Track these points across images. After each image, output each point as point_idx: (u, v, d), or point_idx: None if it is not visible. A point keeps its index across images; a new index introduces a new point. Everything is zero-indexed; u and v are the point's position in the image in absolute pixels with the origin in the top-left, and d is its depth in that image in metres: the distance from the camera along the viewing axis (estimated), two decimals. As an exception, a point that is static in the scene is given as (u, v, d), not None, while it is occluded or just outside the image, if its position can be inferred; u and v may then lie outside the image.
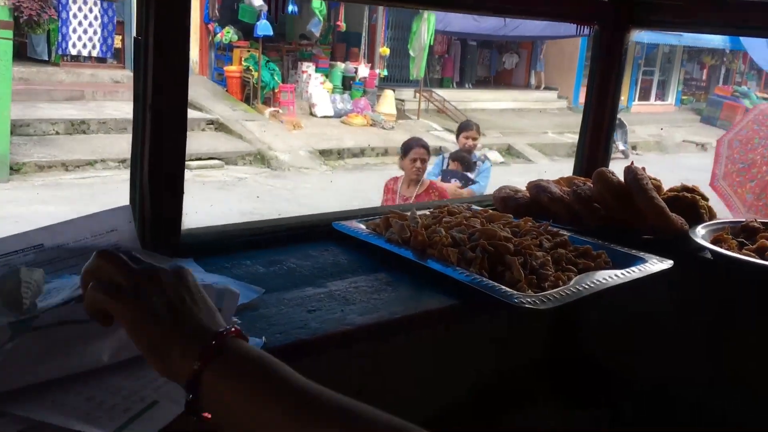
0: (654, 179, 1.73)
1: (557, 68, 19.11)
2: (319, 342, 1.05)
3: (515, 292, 1.19)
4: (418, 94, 16.08)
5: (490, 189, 4.96)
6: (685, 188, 1.73)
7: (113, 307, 0.70)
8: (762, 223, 1.63)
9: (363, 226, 1.50)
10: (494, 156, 13.66)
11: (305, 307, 1.14)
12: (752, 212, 3.90)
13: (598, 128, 1.99)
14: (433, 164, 5.72)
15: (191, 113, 11.36)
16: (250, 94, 13.90)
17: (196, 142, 10.47)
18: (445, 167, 5.75)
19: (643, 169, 1.71)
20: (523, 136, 15.27)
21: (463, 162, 5.68)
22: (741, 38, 16.93)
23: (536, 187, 1.72)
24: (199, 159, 10.10)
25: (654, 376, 1.80)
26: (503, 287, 1.20)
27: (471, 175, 5.64)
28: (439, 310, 1.17)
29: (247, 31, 13.98)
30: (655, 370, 1.79)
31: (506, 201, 1.73)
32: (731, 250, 1.50)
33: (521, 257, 1.31)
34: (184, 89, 1.21)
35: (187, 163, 1.27)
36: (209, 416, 0.67)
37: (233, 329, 0.71)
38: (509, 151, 14.43)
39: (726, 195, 4.24)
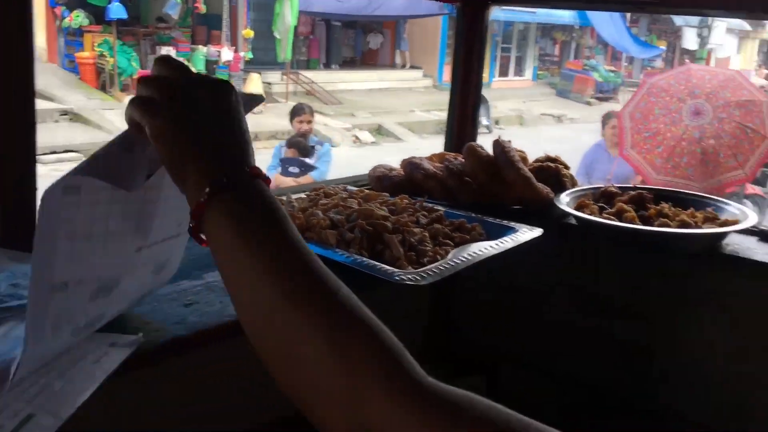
0: (520, 151, 1.79)
1: (421, 47, 19.49)
2: (199, 337, 1.01)
3: (396, 269, 1.19)
4: (285, 77, 15.88)
5: (335, 173, 4.82)
6: (548, 158, 1.81)
7: (143, 120, 0.69)
8: (618, 187, 1.74)
9: (238, 214, 1.45)
10: (365, 136, 13.78)
11: (181, 302, 1.09)
12: (662, 174, 4.38)
13: (465, 104, 2.04)
14: (271, 155, 5.52)
15: (42, 104, 10.61)
16: (106, 81, 13.20)
17: (50, 134, 9.81)
18: (282, 156, 5.49)
19: (510, 142, 1.77)
20: (392, 115, 15.49)
21: (300, 147, 5.44)
22: (588, 14, 17.97)
23: (410, 164, 1.74)
24: (55, 152, 9.47)
25: (528, 341, 1.88)
26: (384, 266, 1.20)
27: (310, 161, 5.41)
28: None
29: (98, 15, 13.21)
30: (530, 335, 1.88)
31: (381, 180, 1.73)
32: (593, 215, 1.59)
33: (399, 235, 1.32)
34: (29, 78, 1.11)
35: (42, 157, 1.17)
36: (206, 244, 0.69)
37: (252, 168, 0.69)
38: (379, 131, 14.60)
39: (636, 162, 4.66)
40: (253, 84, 14.47)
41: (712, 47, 23.22)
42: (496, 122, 15.97)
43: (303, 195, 1.53)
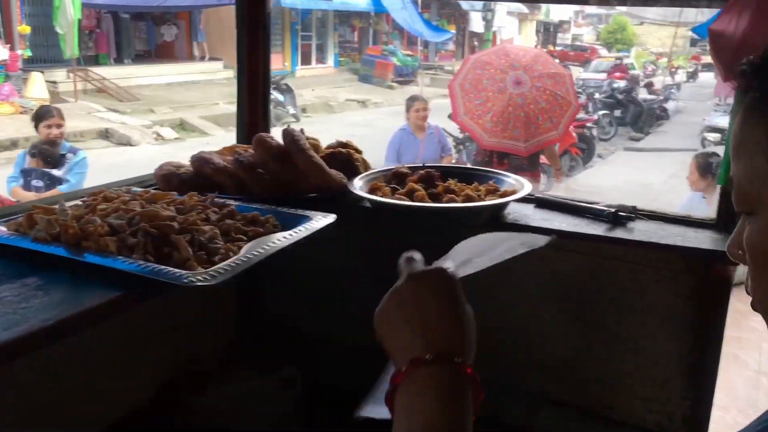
0: (312, 139, 1.79)
1: (220, 38, 18.97)
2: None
3: (184, 271, 1.14)
4: (72, 74, 14.74)
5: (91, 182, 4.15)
6: (340, 144, 1.83)
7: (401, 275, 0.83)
8: (409, 167, 1.79)
9: (3, 228, 1.31)
10: (168, 133, 13.18)
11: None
12: (493, 137, 5.12)
13: (254, 93, 2.00)
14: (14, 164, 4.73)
15: None
16: None
17: None
18: (25, 166, 4.63)
19: (302, 130, 1.76)
20: (195, 110, 14.98)
21: (47, 157, 4.58)
22: (382, 0, 18.48)
23: (198, 159, 1.67)
24: None
25: (339, 326, 1.90)
26: (171, 269, 1.14)
27: (58, 172, 4.59)
28: (101, 306, 1.07)
29: None
30: (340, 320, 1.90)
31: (168, 178, 1.65)
32: (385, 197, 1.63)
33: (188, 234, 1.26)
34: None
35: None
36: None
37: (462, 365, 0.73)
38: (183, 126, 14.05)
39: (470, 126, 5.29)
40: (35, 83, 13.27)
41: (496, 29, 24.93)
42: (303, 110, 16.00)
43: (78, 201, 1.41)
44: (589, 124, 11.39)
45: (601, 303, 1.63)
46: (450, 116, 6.02)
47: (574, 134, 10.45)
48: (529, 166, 5.43)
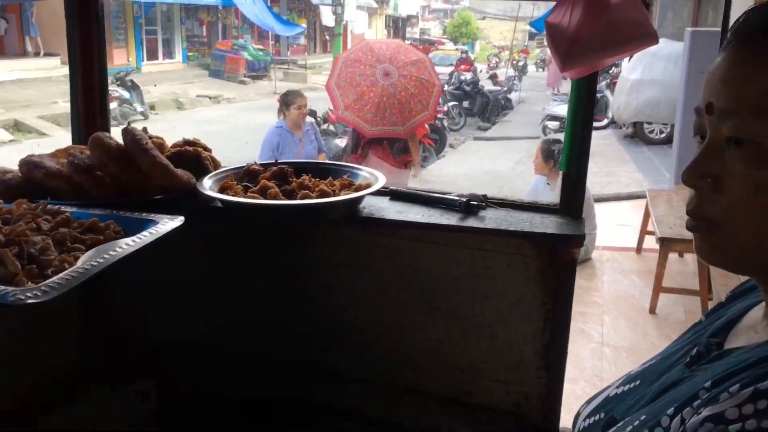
0: (156, 137, 1.69)
1: (56, 33, 17.68)
2: None
3: (11, 288, 1.03)
4: None
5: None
6: (187, 142, 1.74)
7: None
8: (261, 164, 1.74)
9: None
10: (0, 135, 12.15)
11: None
12: (375, 126, 5.60)
13: (91, 90, 1.86)
14: None
15: None
16: None
17: None
18: None
19: (144, 129, 1.66)
20: (32, 109, 13.92)
21: None
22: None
23: (27, 163, 1.53)
24: None
25: (193, 334, 1.81)
26: (-4, 287, 1.03)
27: None
28: None
29: None
30: (193, 326, 1.81)
31: (-8, 185, 1.50)
32: (237, 196, 1.57)
33: (15, 247, 1.15)
34: None
35: None
36: None
37: None
38: (18, 127, 13.02)
39: (352, 120, 5.66)
40: None
41: (347, 23, 25.10)
42: (152, 108, 15.31)
43: None
44: (439, 116, 11.74)
45: (457, 292, 1.67)
46: (331, 112, 6.20)
47: (426, 125, 10.75)
48: (405, 150, 5.94)
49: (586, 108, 1.59)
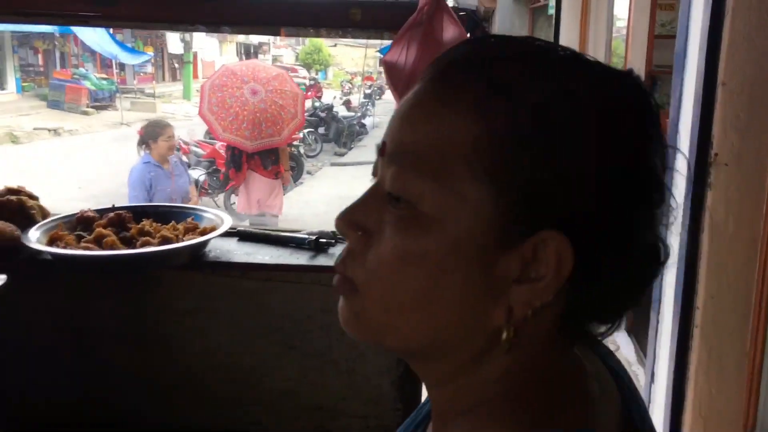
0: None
1: None
2: None
3: None
4: None
5: None
6: (10, 191, 1.60)
7: None
8: (95, 211, 1.64)
9: None
10: None
11: None
12: (257, 140, 6.12)
13: None
14: None
15: None
16: None
17: None
18: None
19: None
20: None
21: None
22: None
23: None
24: None
25: (39, 392, 1.67)
26: None
27: None
28: None
29: None
30: (36, 386, 1.67)
31: None
32: (69, 247, 1.46)
33: None
34: None
35: None
36: None
37: None
38: None
39: (233, 140, 6.13)
40: None
41: (197, 50, 24.56)
42: (-19, 143, 14.14)
43: None
44: (296, 143, 11.72)
45: (311, 329, 1.65)
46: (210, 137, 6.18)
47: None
48: (275, 161, 6.37)
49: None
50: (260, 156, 6.23)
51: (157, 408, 1.67)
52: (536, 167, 0.50)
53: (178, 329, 1.66)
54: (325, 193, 10.83)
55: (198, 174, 8.68)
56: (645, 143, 0.53)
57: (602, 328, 0.58)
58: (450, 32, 1.50)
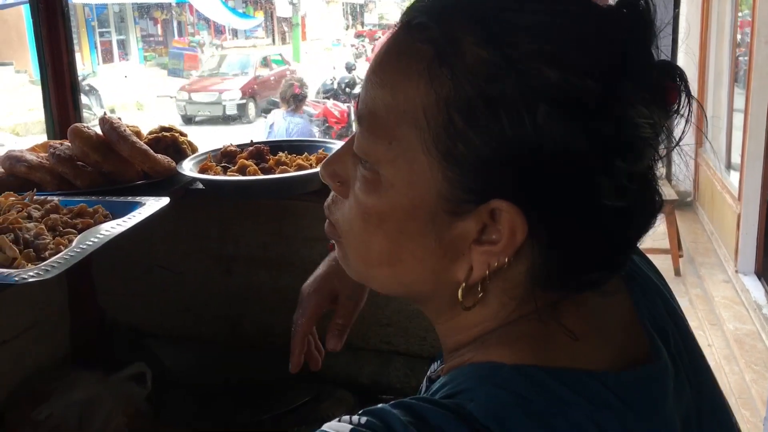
0: (132, 126, 1.73)
1: (6, 42, 17.37)
2: None
3: (13, 270, 1.07)
4: None
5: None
6: (163, 128, 1.78)
7: None
8: (237, 146, 1.79)
9: None
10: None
11: None
12: None
13: (62, 86, 1.88)
14: None
15: None
16: None
17: None
18: None
19: (120, 118, 1.70)
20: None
21: None
22: (184, -9, 17.82)
23: (9, 158, 1.56)
24: None
25: (180, 321, 1.86)
26: (-2, 270, 1.07)
27: None
28: None
29: None
30: (180, 314, 1.86)
31: (-24, 182, 1.53)
32: (218, 175, 1.62)
33: (10, 234, 1.19)
34: None
35: None
36: None
37: None
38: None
39: None
40: None
41: (305, 13, 24.98)
42: (112, 111, 15.12)
43: None
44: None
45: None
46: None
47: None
48: None
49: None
50: None
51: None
52: (483, 140, 0.50)
53: (311, 253, 1.80)
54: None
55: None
56: (605, 107, 0.50)
57: (595, 276, 0.57)
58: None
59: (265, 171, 1.67)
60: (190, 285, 1.85)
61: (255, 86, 15.44)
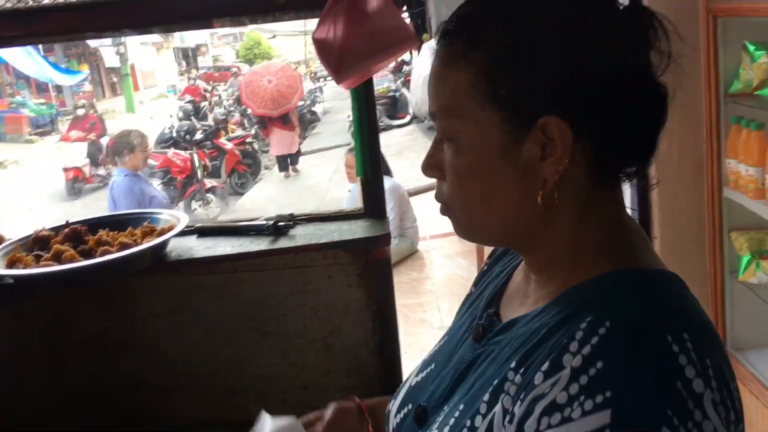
0: None
1: None
2: None
3: None
4: None
5: None
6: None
7: None
8: (51, 229, 1.63)
9: None
10: None
11: None
12: (275, 108, 10.75)
13: None
14: None
15: None
16: None
17: None
18: None
19: None
20: None
21: None
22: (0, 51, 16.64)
23: None
24: None
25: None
26: None
27: None
28: None
29: None
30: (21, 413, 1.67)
31: None
32: (29, 267, 1.46)
33: None
34: None
35: None
36: None
37: None
38: None
39: (249, 104, 11.21)
40: None
41: (134, 62, 24.10)
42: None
43: None
44: (249, 140, 11.61)
45: (284, 313, 1.67)
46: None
47: (236, 152, 10.61)
48: (288, 120, 10.86)
49: (368, 113, 1.66)
50: (281, 118, 10.77)
51: (147, 410, 1.68)
52: (517, 82, 0.70)
53: (154, 332, 1.67)
54: (286, 186, 10.81)
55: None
56: (617, 39, 0.70)
57: (634, 167, 0.75)
58: (375, 1, 1.51)
59: (85, 254, 1.53)
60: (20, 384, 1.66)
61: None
